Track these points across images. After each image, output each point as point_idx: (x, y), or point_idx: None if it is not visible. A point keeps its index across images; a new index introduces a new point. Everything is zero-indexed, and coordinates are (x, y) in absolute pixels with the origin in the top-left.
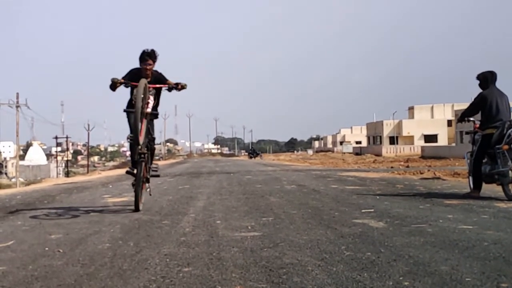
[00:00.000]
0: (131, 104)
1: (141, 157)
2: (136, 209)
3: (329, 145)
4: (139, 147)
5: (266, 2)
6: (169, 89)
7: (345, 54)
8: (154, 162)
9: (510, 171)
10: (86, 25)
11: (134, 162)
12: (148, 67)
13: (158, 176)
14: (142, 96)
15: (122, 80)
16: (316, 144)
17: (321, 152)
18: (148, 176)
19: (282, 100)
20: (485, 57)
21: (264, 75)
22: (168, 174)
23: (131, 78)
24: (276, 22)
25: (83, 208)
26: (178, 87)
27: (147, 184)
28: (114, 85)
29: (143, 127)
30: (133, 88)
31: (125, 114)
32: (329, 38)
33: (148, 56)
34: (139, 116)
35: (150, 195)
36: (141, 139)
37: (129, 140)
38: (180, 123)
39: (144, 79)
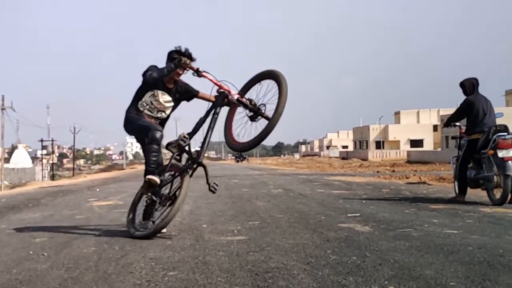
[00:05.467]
0: (138, 110)
1: (193, 167)
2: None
3: (316, 150)
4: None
5: (255, 8)
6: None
7: (333, 59)
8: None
9: (495, 176)
10: (73, 27)
11: (158, 167)
12: (180, 72)
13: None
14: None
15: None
16: (303, 148)
17: (308, 156)
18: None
19: None
20: (469, 64)
21: None
22: None
23: (149, 85)
24: (266, 27)
25: (68, 212)
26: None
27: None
28: (179, 66)
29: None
30: (158, 85)
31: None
32: (318, 43)
33: (180, 56)
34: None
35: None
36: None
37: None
38: (166, 127)
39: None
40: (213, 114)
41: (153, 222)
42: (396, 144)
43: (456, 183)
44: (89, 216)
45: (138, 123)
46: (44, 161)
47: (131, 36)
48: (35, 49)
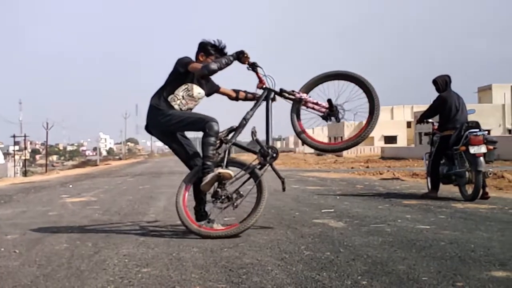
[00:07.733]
0: (168, 104)
1: (267, 164)
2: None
3: (291, 146)
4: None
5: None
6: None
7: (306, 54)
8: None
9: (467, 172)
10: (45, 22)
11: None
12: None
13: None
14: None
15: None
16: (278, 144)
17: (283, 153)
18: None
19: None
20: (442, 61)
21: (226, 76)
22: (128, 174)
23: (183, 77)
24: (253, 24)
25: (41, 208)
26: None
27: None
28: (238, 59)
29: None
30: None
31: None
32: (295, 36)
33: (215, 51)
34: None
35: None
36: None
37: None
38: (141, 123)
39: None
40: (267, 110)
41: (212, 220)
42: (370, 140)
43: (429, 179)
44: (62, 213)
45: (185, 116)
46: (17, 157)
47: (110, 34)
48: (7, 43)
